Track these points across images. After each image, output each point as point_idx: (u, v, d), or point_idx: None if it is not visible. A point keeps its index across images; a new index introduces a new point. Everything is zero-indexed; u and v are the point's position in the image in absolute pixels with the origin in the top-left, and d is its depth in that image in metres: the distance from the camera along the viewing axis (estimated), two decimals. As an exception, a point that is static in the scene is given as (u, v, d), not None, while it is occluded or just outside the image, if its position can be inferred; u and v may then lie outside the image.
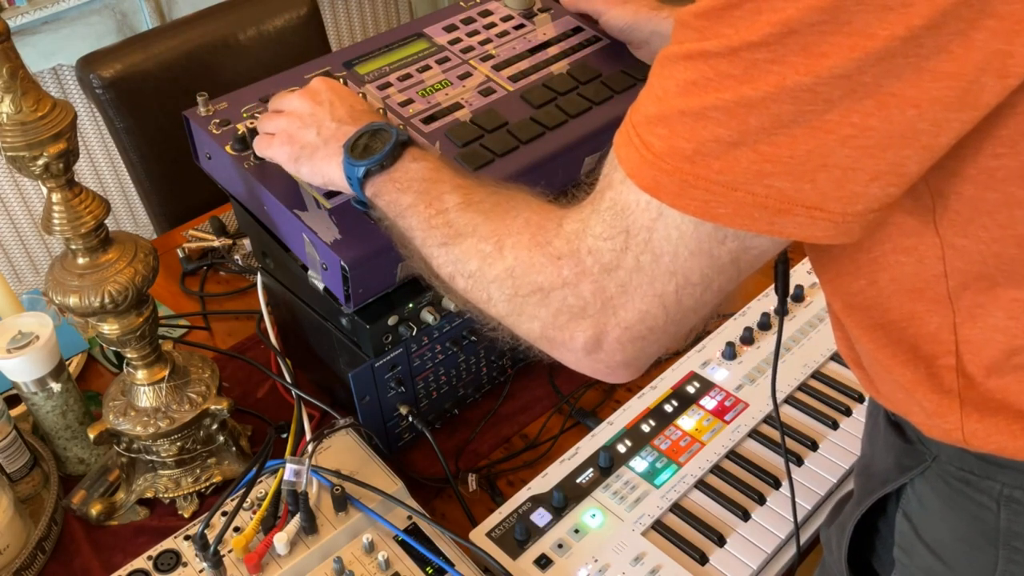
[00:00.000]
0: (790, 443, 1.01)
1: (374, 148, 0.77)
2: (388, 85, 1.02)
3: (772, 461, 1.00)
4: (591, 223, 0.58)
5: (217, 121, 0.97)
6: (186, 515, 1.00)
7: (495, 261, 0.65)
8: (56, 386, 1.00)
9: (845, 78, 0.46)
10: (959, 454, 0.63)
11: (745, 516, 0.94)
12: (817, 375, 1.10)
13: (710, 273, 0.55)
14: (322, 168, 0.83)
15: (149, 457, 0.99)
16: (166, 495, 1.00)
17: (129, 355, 0.95)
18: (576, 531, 0.92)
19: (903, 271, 0.58)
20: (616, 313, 0.58)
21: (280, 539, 0.86)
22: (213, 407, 0.98)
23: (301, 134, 0.84)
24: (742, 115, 0.48)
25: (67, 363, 1.07)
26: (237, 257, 1.35)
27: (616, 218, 0.56)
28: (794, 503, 0.92)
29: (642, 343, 0.60)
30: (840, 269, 0.62)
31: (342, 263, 0.85)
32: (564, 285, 0.60)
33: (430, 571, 0.87)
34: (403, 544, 0.89)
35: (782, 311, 0.83)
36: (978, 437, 0.59)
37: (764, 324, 1.15)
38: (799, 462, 1.00)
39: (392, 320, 0.94)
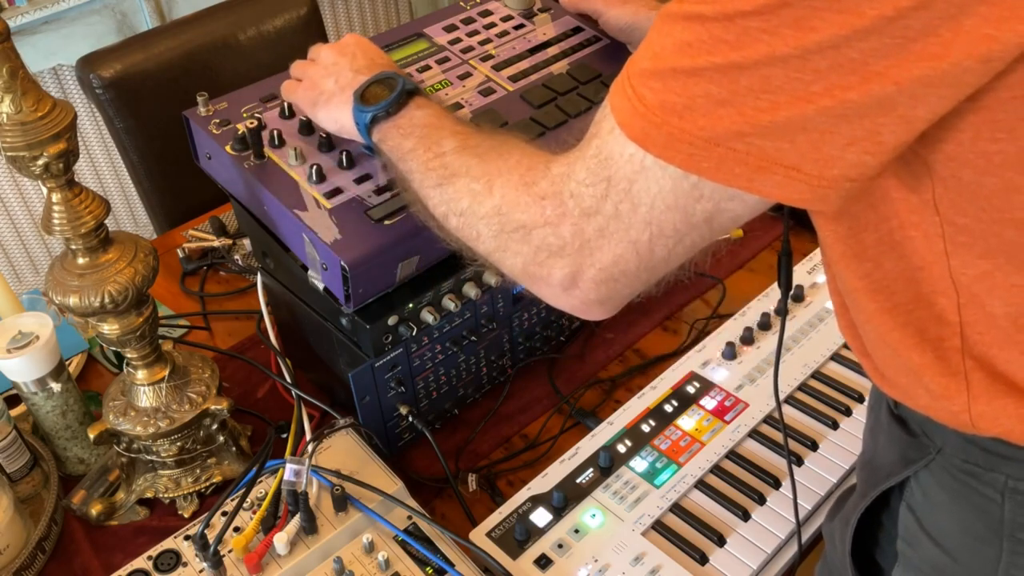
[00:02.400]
0: (790, 443, 1.01)
1: (381, 96, 0.83)
2: (388, 85, 1.02)
3: (772, 461, 1.00)
4: (576, 168, 0.61)
5: (217, 121, 0.97)
6: (186, 515, 1.00)
7: (485, 199, 0.68)
8: (56, 386, 1.00)
9: (833, 51, 0.47)
10: (964, 446, 0.63)
11: (745, 516, 0.94)
12: (817, 375, 1.10)
13: (683, 228, 0.58)
14: (335, 114, 0.89)
15: (149, 457, 0.99)
16: (166, 495, 1.00)
17: (129, 355, 0.95)
18: (576, 531, 0.92)
19: (909, 248, 0.59)
20: (592, 254, 0.62)
21: (280, 539, 0.86)
22: (213, 407, 0.98)
23: (322, 82, 0.90)
24: (734, 75, 0.50)
25: (67, 363, 1.07)
26: (237, 257, 1.35)
27: (600, 166, 0.59)
28: (796, 502, 0.92)
29: (615, 285, 0.63)
30: (847, 251, 0.62)
31: (342, 263, 0.85)
32: (546, 224, 0.63)
33: (430, 571, 0.87)
34: (403, 544, 0.89)
35: (784, 305, 0.83)
36: (986, 419, 0.59)
37: (764, 324, 1.15)
38: (799, 462, 0.99)
39: (392, 320, 0.94)
